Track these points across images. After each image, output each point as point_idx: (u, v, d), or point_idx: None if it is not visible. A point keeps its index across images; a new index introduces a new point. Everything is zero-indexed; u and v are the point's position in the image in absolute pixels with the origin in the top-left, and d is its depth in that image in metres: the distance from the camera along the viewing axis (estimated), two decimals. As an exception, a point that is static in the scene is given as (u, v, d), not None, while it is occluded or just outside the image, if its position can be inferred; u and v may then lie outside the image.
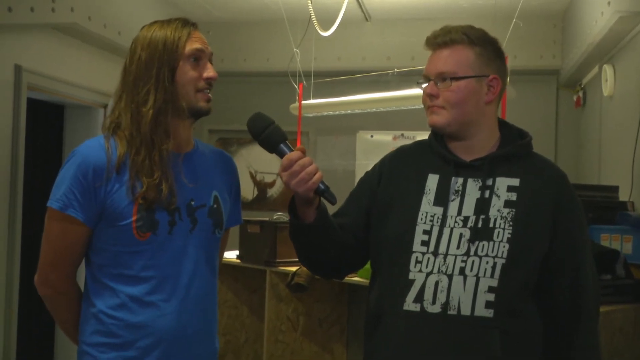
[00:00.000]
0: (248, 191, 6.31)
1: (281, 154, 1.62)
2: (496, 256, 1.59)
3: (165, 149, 1.67)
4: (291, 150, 1.61)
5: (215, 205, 1.76)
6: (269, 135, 1.64)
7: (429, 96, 1.70)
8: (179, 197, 1.68)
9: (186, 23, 1.73)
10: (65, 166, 1.67)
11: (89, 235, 1.67)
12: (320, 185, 1.60)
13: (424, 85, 1.72)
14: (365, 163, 5.63)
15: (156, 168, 1.65)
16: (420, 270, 1.61)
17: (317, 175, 1.58)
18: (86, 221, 1.64)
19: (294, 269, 3.36)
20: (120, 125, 1.69)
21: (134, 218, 1.63)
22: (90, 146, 1.67)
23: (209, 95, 1.73)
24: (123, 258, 1.65)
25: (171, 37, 1.68)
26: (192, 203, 1.71)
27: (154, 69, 1.67)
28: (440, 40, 1.69)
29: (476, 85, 1.67)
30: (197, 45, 1.71)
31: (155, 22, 1.74)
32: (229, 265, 3.77)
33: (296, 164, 1.57)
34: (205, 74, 1.71)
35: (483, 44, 1.69)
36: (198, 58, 1.71)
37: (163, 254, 1.66)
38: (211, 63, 1.75)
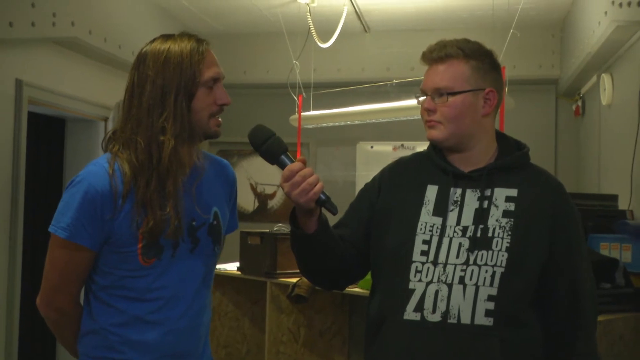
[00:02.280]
0: (249, 203, 6.32)
1: (282, 165, 1.63)
2: (495, 265, 1.60)
3: (180, 179, 1.64)
4: (292, 161, 1.62)
5: (214, 222, 1.74)
6: (270, 147, 1.65)
7: (426, 111, 1.72)
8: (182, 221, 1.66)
9: (200, 42, 1.67)
10: (69, 191, 1.62)
11: (95, 257, 1.65)
12: (322, 195, 1.60)
13: (421, 99, 1.74)
14: (365, 174, 5.64)
15: (169, 200, 1.61)
16: (420, 280, 1.62)
17: (318, 186, 1.59)
18: (93, 247, 1.62)
19: (294, 280, 3.36)
20: (128, 149, 1.63)
21: (139, 245, 1.61)
22: (95, 173, 1.61)
23: (220, 119, 1.71)
24: (127, 281, 1.64)
25: (188, 61, 1.63)
26: (194, 223, 1.69)
27: (172, 96, 1.62)
28: (436, 55, 1.70)
29: (473, 99, 1.69)
30: (214, 73, 1.66)
31: (167, 38, 1.68)
32: (230, 277, 3.77)
33: (297, 174, 1.58)
34: (220, 101, 1.68)
35: (478, 58, 1.70)
36: (213, 83, 1.68)
37: (166, 276, 1.66)
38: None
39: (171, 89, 1.62)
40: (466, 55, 1.69)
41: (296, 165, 1.59)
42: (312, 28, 4.50)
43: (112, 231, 1.60)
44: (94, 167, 1.64)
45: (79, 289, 1.70)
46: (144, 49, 1.68)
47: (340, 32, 4.58)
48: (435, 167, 1.74)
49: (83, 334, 1.70)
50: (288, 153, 1.65)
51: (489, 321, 1.58)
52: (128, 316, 1.64)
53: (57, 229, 1.61)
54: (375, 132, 5.65)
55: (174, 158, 1.62)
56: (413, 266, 1.63)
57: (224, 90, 1.70)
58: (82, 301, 1.74)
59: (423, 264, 1.63)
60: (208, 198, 1.74)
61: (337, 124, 4.90)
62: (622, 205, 3.46)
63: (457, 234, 1.64)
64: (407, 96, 4.09)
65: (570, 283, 1.67)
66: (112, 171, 1.61)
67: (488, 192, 1.67)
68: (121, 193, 1.60)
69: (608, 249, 2.83)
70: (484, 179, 1.68)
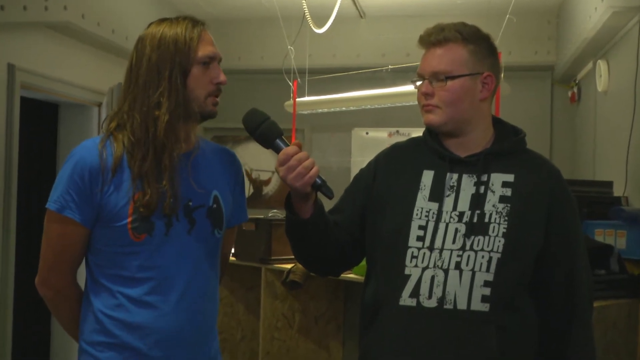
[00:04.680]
0: (243, 189, 6.30)
1: (277, 149, 1.62)
2: (492, 250, 1.60)
3: (176, 154, 1.65)
4: (287, 145, 1.61)
5: (214, 206, 1.74)
6: (265, 131, 1.64)
7: (424, 95, 1.70)
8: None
9: (196, 23, 1.70)
10: (63, 167, 1.66)
11: (88, 236, 1.67)
12: (317, 179, 1.59)
13: (418, 83, 1.73)
14: (360, 160, 5.63)
15: (165, 174, 1.63)
16: (416, 265, 1.62)
17: (314, 170, 1.58)
18: (83, 222, 1.63)
19: (289, 266, 3.36)
20: (125, 127, 1.66)
21: (129, 219, 1.62)
22: (87, 147, 1.66)
23: (217, 99, 1.72)
24: (119, 259, 1.65)
25: (182, 38, 1.66)
26: (190, 204, 1.69)
27: (166, 72, 1.64)
28: (434, 38, 1.69)
29: (471, 83, 1.68)
30: (209, 51, 1.68)
31: (163, 20, 1.71)
32: (225, 263, 3.76)
33: (293, 158, 1.57)
34: (216, 80, 1.70)
35: (476, 41, 1.69)
36: (209, 62, 1.69)
37: (160, 255, 1.65)
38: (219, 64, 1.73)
39: (166, 65, 1.65)
40: (464, 39, 1.67)
41: (292, 149, 1.59)
42: (307, 13, 4.47)
43: (102, 205, 1.62)
44: (87, 142, 1.69)
45: (74, 269, 1.71)
46: (144, 32, 1.71)
47: (335, 17, 4.55)
48: (431, 152, 1.73)
49: (82, 319, 1.71)
50: (283, 137, 1.64)
51: (485, 307, 1.57)
52: (121, 297, 1.64)
53: (49, 202, 1.64)
54: (371, 118, 5.64)
55: (169, 133, 1.64)
56: (409, 252, 1.63)
57: (220, 70, 1.72)
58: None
59: (419, 249, 1.62)
60: (207, 180, 1.74)
61: (332, 110, 4.87)
62: (617, 191, 3.47)
63: (454, 219, 1.63)
64: (403, 82, 4.07)
65: (567, 273, 1.67)
66: (103, 145, 1.64)
67: (484, 178, 1.66)
68: (110, 167, 1.62)
69: (603, 235, 2.84)
70: (480, 164, 1.67)
